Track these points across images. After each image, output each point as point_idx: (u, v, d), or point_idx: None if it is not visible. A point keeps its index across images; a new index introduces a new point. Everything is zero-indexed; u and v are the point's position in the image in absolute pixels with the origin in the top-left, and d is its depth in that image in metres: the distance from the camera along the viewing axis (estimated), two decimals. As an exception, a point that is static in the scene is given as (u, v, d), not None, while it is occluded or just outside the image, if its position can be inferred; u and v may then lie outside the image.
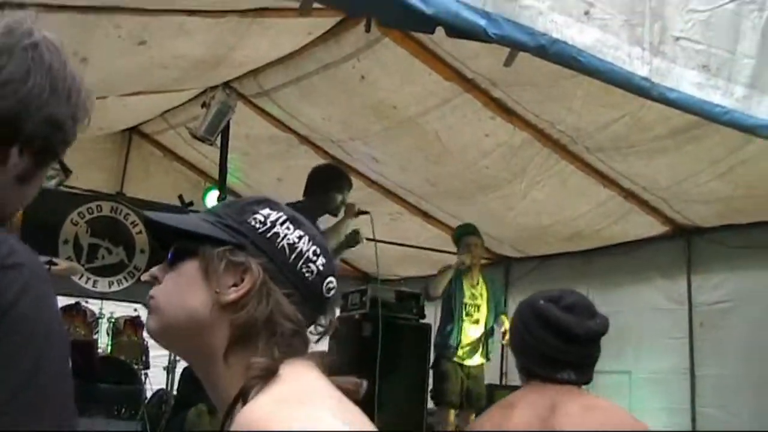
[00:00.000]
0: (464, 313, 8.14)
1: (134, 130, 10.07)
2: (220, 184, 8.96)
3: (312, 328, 1.54)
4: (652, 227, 8.44)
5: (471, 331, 8.15)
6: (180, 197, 10.00)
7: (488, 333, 8.27)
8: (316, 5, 3.69)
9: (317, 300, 1.51)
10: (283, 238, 1.49)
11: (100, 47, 5.65)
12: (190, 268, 1.47)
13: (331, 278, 1.53)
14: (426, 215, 9.78)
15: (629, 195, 7.94)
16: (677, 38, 4.50)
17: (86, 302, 8.62)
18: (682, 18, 4.55)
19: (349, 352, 7.97)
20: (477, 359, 8.20)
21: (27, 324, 1.26)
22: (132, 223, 10.32)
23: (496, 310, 8.33)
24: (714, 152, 6.60)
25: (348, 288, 9.67)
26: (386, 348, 7.98)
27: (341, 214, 6.70)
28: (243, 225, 1.49)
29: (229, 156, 8.56)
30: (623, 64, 4.21)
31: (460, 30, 3.69)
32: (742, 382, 7.64)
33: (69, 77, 1.47)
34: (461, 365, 8.10)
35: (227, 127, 8.03)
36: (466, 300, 8.20)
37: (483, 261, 10.15)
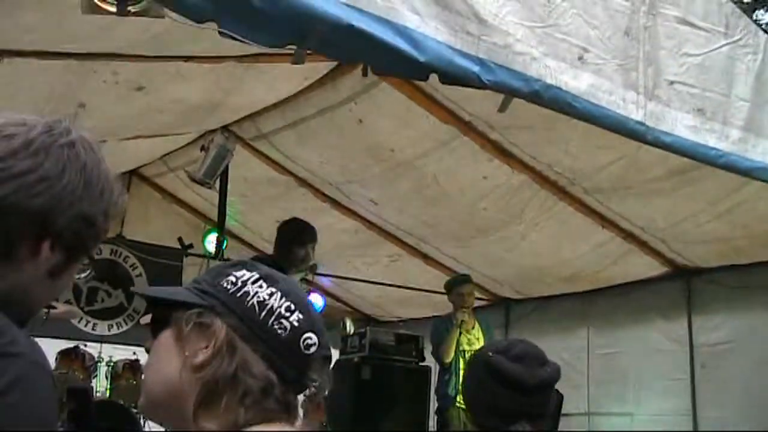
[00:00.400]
0: (462, 360, 8.06)
1: (134, 173, 10.05)
2: (219, 226, 8.96)
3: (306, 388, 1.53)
4: (652, 268, 8.42)
5: None
6: (179, 240, 10.00)
7: None
8: (310, 52, 3.70)
9: (295, 357, 1.47)
10: (253, 296, 1.48)
11: (97, 93, 5.68)
12: (166, 336, 1.50)
13: (309, 334, 1.49)
14: (425, 257, 9.76)
15: (628, 236, 7.93)
16: (671, 82, 4.52)
17: (85, 346, 8.56)
18: (676, 62, 4.57)
19: (349, 395, 7.94)
20: None
21: (14, 415, 1.25)
22: (131, 266, 10.32)
23: None
24: (712, 193, 6.61)
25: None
26: (386, 391, 7.96)
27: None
28: (216, 287, 1.50)
29: (228, 199, 8.57)
30: (618, 109, 4.23)
31: (453, 77, 3.70)
32: (744, 423, 7.56)
33: (102, 175, 1.49)
34: (464, 409, 8.05)
35: (226, 169, 8.03)
36: (464, 346, 8.14)
37: (483, 303, 10.19)
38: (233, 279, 1.50)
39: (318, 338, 1.50)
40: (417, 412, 8.10)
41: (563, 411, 8.71)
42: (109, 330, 10.01)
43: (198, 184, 8.08)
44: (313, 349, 1.49)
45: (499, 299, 10.45)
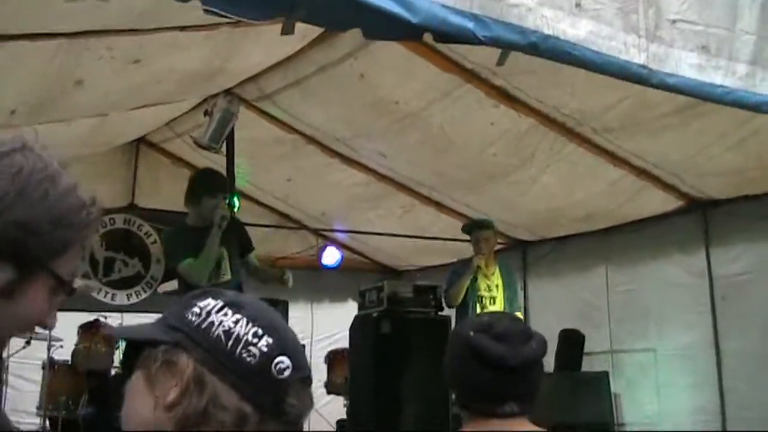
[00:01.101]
0: (479, 306, 8.01)
1: (141, 141, 10.02)
2: (230, 189, 8.92)
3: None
4: (667, 203, 8.36)
5: None
6: (191, 204, 9.97)
7: None
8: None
9: (269, 383, 1.41)
10: (218, 326, 1.42)
11: (93, 69, 5.61)
12: (137, 376, 1.44)
13: (281, 358, 1.42)
14: (438, 205, 9.72)
15: (641, 172, 7.85)
16: (673, 21, 4.41)
17: (105, 318, 8.59)
18: (677, -1, 4.46)
19: (369, 350, 7.96)
20: None
21: None
22: (146, 233, 10.34)
23: (511, 303, 8.20)
24: (722, 126, 6.52)
25: (365, 283, 9.66)
26: (406, 344, 7.97)
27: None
28: (182, 321, 1.44)
29: (237, 160, 8.53)
30: (619, 54, 4.13)
31: (448, 35, 3.62)
32: (766, 352, 7.56)
33: (49, 181, 1.37)
34: None
35: (232, 132, 7.97)
36: (482, 292, 8.07)
37: (499, 246, 10.12)
38: (197, 310, 1.44)
39: (292, 361, 1.43)
40: (438, 363, 8.10)
41: (585, 350, 8.82)
42: (128, 299, 10.06)
43: (204, 149, 8.03)
44: (287, 373, 1.42)
45: (515, 242, 10.42)
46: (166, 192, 10.14)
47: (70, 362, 8.17)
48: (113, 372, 8.37)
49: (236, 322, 1.42)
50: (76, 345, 8.19)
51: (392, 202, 9.77)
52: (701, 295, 8.22)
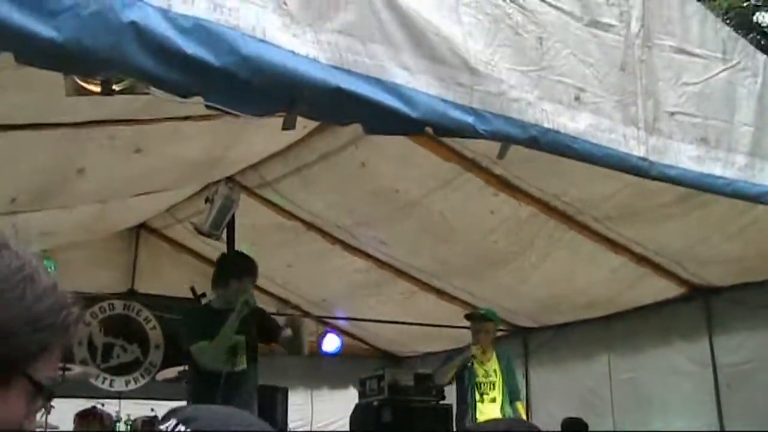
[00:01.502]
0: (478, 393, 7.90)
1: (142, 227, 10.03)
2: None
3: None
4: (669, 289, 8.33)
5: (488, 411, 7.88)
6: (192, 289, 9.91)
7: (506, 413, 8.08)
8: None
9: None
10: None
11: (95, 158, 5.65)
12: None
13: None
14: (439, 292, 9.69)
15: (641, 259, 7.84)
16: (672, 113, 4.45)
17: (102, 405, 8.50)
18: (675, 92, 4.51)
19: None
20: None
21: None
22: (145, 319, 10.29)
23: (511, 390, 8.11)
24: (722, 215, 6.51)
25: (366, 369, 9.59)
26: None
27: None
28: None
29: (239, 246, 8.53)
30: (619, 146, 4.16)
31: (448, 129, 3.64)
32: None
33: (24, 281, 1.29)
34: None
35: (233, 219, 7.99)
36: (480, 379, 7.97)
37: (499, 333, 10.04)
38: None
39: None
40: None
41: (589, 440, 8.70)
42: (126, 385, 9.95)
43: (205, 236, 8.04)
44: None
45: (516, 329, 10.34)
46: (167, 278, 10.14)
47: (65, 451, 8.05)
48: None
49: None
50: (73, 433, 8.08)
51: (393, 288, 9.74)
52: (705, 384, 8.15)
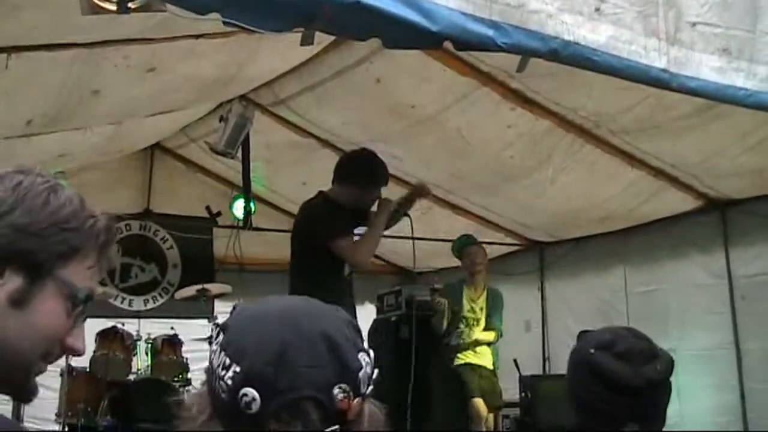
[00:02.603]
0: (463, 325, 8.17)
1: (156, 146, 10.03)
2: (246, 193, 8.94)
3: None
4: (685, 203, 8.30)
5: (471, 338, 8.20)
6: (207, 208, 9.96)
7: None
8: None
9: (241, 420, 1.24)
10: (210, 361, 1.33)
11: (110, 79, 5.61)
12: None
13: (245, 389, 1.24)
14: (455, 207, 9.69)
15: (658, 173, 7.80)
16: (694, 24, 4.36)
17: (122, 324, 8.58)
18: (697, 2, 4.41)
19: (388, 355, 7.93)
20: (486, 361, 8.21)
21: None
22: (162, 239, 10.34)
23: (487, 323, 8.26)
24: (741, 127, 6.46)
25: (384, 285, 9.65)
26: (425, 347, 7.94)
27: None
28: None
29: (252, 164, 8.53)
30: (639, 58, 4.09)
31: (468, 43, 3.59)
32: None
33: (48, 189, 1.36)
34: (471, 365, 8.10)
35: (247, 137, 7.98)
36: (465, 313, 8.20)
37: (516, 248, 10.09)
38: (213, 347, 1.35)
39: (260, 390, 1.24)
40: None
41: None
42: (145, 305, 10.06)
43: (220, 155, 8.04)
44: (254, 407, 1.23)
45: (533, 243, 10.38)
46: (182, 197, 10.18)
47: (88, 369, 8.15)
48: (132, 378, 8.36)
49: (214, 352, 1.31)
50: (94, 352, 8.17)
51: (408, 205, 9.73)
52: (721, 296, 8.17)
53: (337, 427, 1.24)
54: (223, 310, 8.91)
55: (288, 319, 1.32)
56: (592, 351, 2.32)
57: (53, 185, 1.38)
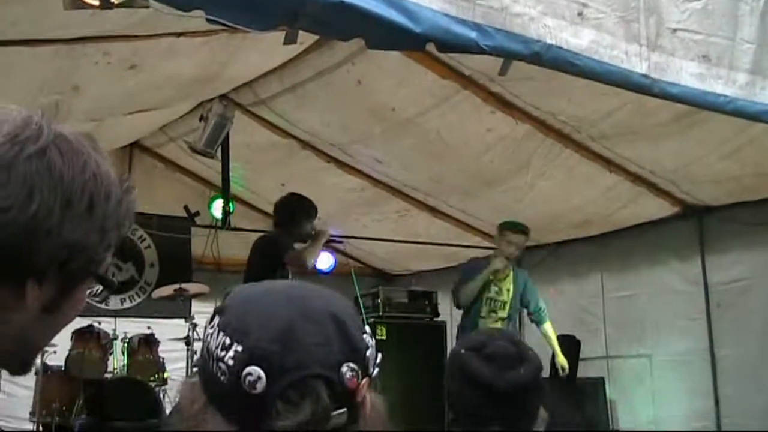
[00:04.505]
0: (486, 309, 7.60)
1: (135, 145, 9.98)
2: (225, 194, 8.90)
3: None
4: (663, 209, 8.36)
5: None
6: (186, 208, 9.91)
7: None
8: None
9: (245, 402, 1.18)
10: (205, 345, 1.25)
11: (90, 75, 5.58)
12: None
13: (249, 368, 1.17)
14: (433, 210, 9.70)
15: (636, 178, 7.86)
16: (674, 30, 4.41)
17: (99, 323, 8.52)
18: (678, 8, 4.46)
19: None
20: None
21: None
22: (140, 238, 10.28)
23: (534, 312, 7.91)
24: (720, 134, 6.51)
25: (360, 288, 9.62)
26: (402, 349, 7.95)
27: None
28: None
29: (231, 164, 8.50)
30: (621, 63, 4.13)
31: (451, 45, 3.61)
32: (762, 360, 7.57)
33: (90, 184, 1.21)
34: None
35: (227, 137, 7.94)
36: (491, 295, 7.65)
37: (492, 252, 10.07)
38: (209, 330, 1.27)
39: (266, 368, 1.17)
40: (434, 368, 8.09)
41: (581, 356, 8.81)
42: (122, 304, 9.99)
43: (200, 154, 8.01)
44: (259, 387, 1.16)
45: (510, 247, 10.39)
46: (161, 195, 10.10)
47: (63, 368, 8.10)
48: (108, 377, 8.30)
49: (211, 335, 1.24)
50: (70, 351, 8.11)
51: (387, 207, 9.75)
52: (696, 302, 8.24)
53: (345, 410, 1.19)
54: (200, 310, 8.86)
55: (295, 298, 1.27)
56: (463, 351, 2.37)
57: (93, 171, 1.24)
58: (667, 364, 8.47)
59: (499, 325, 7.59)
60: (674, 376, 8.36)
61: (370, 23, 3.29)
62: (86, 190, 1.20)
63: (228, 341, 1.20)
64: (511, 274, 7.81)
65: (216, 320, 1.25)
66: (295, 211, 7.11)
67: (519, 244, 7.64)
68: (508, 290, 7.74)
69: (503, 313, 7.68)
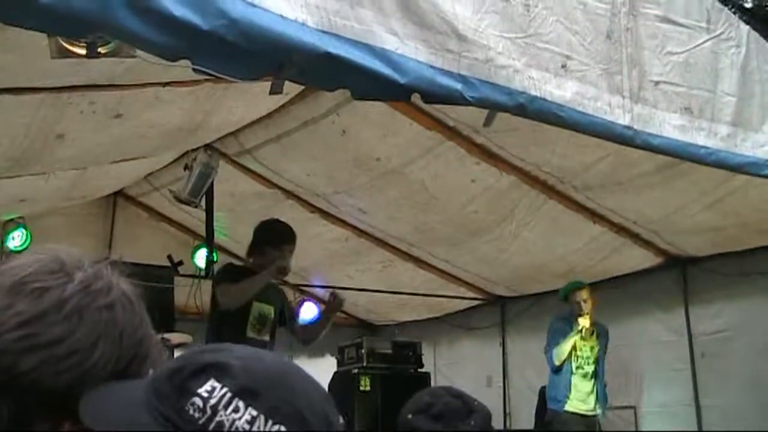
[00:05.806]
0: (575, 366, 7.77)
1: (119, 194, 9.96)
2: (208, 243, 8.88)
3: None
4: (646, 259, 8.39)
5: (582, 386, 7.80)
6: (169, 257, 9.88)
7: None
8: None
9: None
10: (229, 427, 1.02)
11: (75, 123, 5.58)
12: None
13: None
14: (418, 261, 9.70)
15: (620, 229, 7.90)
16: (657, 82, 4.46)
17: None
18: (660, 61, 4.51)
19: (349, 408, 7.88)
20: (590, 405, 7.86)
21: None
22: (122, 287, 10.20)
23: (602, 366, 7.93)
24: (702, 185, 6.57)
25: (343, 338, 9.59)
26: (386, 400, 7.90)
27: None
28: (181, 414, 1.03)
29: (215, 214, 8.49)
30: (604, 115, 4.16)
31: (436, 96, 3.63)
32: (747, 410, 7.57)
33: (137, 340, 1.23)
34: (576, 414, 7.77)
35: (211, 186, 7.95)
36: (577, 353, 7.82)
37: (477, 302, 10.10)
38: (200, 403, 1.02)
39: None
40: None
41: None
42: (104, 354, 9.89)
43: (184, 204, 8.00)
44: None
45: (494, 298, 10.38)
46: (144, 244, 10.06)
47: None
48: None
49: (252, 421, 1.03)
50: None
51: (371, 257, 9.74)
52: (681, 352, 8.24)
53: None
54: (182, 360, 8.80)
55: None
56: (410, 416, 2.38)
57: (142, 333, 1.27)
58: (653, 416, 8.46)
59: (584, 381, 7.80)
60: (660, 427, 8.34)
61: (356, 74, 3.31)
62: (133, 347, 1.24)
63: (283, 429, 1.03)
64: (595, 331, 7.94)
65: (251, 404, 1.06)
66: (258, 237, 6.19)
67: (587, 297, 7.84)
68: (592, 347, 7.90)
69: (589, 368, 7.83)
